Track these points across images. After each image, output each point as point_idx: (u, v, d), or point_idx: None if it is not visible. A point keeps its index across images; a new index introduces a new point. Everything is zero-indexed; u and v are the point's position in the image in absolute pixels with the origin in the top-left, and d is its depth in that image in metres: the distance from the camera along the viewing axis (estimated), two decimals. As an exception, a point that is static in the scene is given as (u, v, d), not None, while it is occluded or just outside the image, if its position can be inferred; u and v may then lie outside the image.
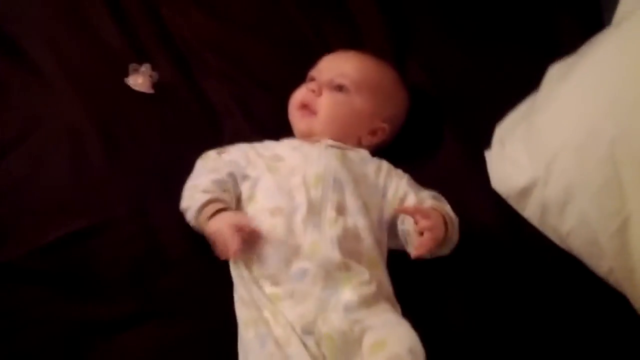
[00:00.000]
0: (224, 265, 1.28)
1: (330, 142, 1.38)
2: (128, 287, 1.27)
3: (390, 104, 1.47)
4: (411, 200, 1.32)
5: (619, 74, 1.30)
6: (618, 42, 1.35)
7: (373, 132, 1.44)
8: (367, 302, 1.16)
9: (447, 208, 1.31)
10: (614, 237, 1.26)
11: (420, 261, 1.24)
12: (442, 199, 1.35)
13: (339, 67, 1.44)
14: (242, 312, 1.19)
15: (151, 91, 1.53)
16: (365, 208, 1.28)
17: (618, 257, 1.27)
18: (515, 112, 1.50)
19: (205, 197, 1.27)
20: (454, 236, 1.28)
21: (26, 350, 1.18)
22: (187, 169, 1.37)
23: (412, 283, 1.28)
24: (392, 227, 1.31)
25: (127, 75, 1.53)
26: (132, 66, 1.54)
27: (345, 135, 1.41)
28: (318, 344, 1.14)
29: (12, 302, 1.21)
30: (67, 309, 1.22)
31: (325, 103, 1.41)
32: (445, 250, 1.28)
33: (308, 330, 1.15)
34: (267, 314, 1.17)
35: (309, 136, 1.41)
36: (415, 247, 1.21)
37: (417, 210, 1.24)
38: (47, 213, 1.33)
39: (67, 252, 1.28)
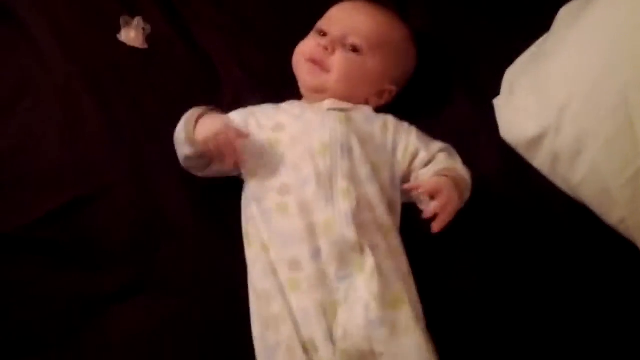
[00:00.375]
0: (228, 233, 1.26)
1: (332, 103, 1.33)
2: (128, 256, 1.25)
3: (401, 65, 1.43)
4: (422, 157, 1.29)
5: (632, 15, 1.23)
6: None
7: (380, 94, 1.40)
8: (384, 301, 1.13)
9: (459, 166, 1.28)
10: (626, 186, 1.23)
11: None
12: (453, 152, 1.32)
13: (352, 23, 1.38)
14: (255, 306, 1.18)
15: (145, 46, 1.47)
16: (375, 170, 1.25)
17: (630, 206, 1.24)
18: (524, 56, 1.45)
19: (189, 113, 1.27)
20: (467, 195, 1.26)
21: (23, 324, 1.17)
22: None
23: (419, 237, 1.24)
24: (405, 182, 1.28)
25: (118, 30, 1.47)
26: (123, 19, 1.48)
27: (354, 96, 1.36)
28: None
29: (9, 275, 1.20)
30: (64, 280, 1.21)
31: (339, 63, 1.35)
32: (464, 201, 1.26)
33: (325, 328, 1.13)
34: (278, 310, 1.14)
35: (315, 92, 1.36)
36: (432, 224, 1.18)
37: (427, 190, 1.19)
38: (42, 183, 1.30)
39: (64, 222, 1.26)
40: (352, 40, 1.36)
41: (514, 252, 1.31)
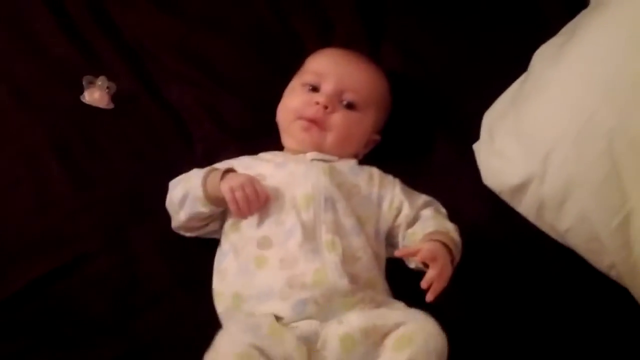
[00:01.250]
0: (210, 296, 1.22)
1: (316, 154, 1.30)
2: (111, 327, 1.20)
3: (385, 115, 1.41)
4: (407, 213, 1.26)
5: (613, 57, 1.23)
6: (608, 21, 1.27)
7: (367, 144, 1.38)
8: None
9: (449, 226, 1.25)
10: (616, 233, 1.21)
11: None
12: (438, 206, 1.30)
13: (344, 77, 1.35)
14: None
15: (110, 106, 1.43)
16: (360, 223, 1.23)
17: (620, 252, 1.22)
18: (503, 99, 1.43)
19: (204, 170, 1.24)
20: (458, 257, 1.22)
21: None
22: (160, 188, 1.29)
23: (408, 284, 1.21)
24: (390, 238, 1.27)
25: (81, 91, 1.41)
26: (86, 79, 1.43)
27: (345, 152, 1.34)
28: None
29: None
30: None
31: (341, 123, 1.32)
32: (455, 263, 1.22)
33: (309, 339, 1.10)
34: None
35: (313, 150, 1.31)
36: (427, 294, 1.14)
37: (424, 257, 1.16)
38: (12, 256, 1.24)
39: (39, 297, 1.21)
40: (349, 97, 1.33)
41: (501, 296, 1.29)
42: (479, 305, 1.28)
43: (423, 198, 1.30)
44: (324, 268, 1.16)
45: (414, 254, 1.17)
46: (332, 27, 1.57)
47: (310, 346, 1.10)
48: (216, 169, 1.24)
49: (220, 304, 1.19)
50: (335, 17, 1.58)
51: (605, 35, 1.26)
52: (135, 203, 1.32)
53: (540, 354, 1.24)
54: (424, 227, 1.24)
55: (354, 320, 1.11)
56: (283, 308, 1.13)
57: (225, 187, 1.19)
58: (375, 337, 1.10)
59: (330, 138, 1.31)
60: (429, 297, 1.13)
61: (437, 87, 1.51)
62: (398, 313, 1.13)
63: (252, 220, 1.22)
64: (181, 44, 1.53)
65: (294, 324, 1.11)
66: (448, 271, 1.16)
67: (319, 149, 1.31)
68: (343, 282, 1.14)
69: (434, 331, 1.09)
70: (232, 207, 1.19)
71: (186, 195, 1.23)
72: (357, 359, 1.09)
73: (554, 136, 1.26)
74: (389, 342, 1.09)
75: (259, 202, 1.20)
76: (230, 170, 1.23)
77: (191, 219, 1.24)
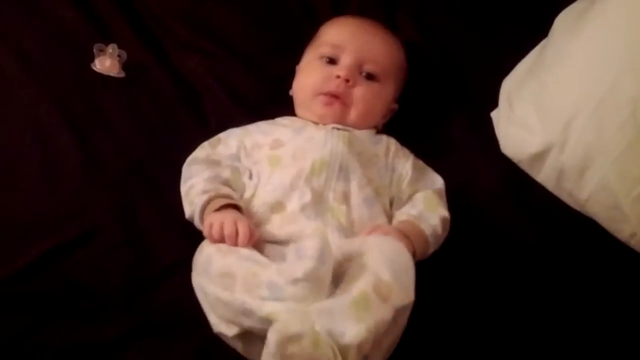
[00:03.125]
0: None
1: (336, 124, 1.27)
2: (121, 301, 1.18)
3: (403, 84, 1.38)
4: (404, 188, 1.26)
5: (636, 24, 1.19)
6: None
7: (385, 115, 1.35)
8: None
9: (431, 215, 1.21)
10: (637, 201, 1.20)
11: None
12: (439, 188, 1.27)
13: (363, 48, 1.31)
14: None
15: (121, 74, 1.40)
16: (377, 193, 1.22)
17: (641, 221, 1.20)
18: (521, 66, 1.40)
19: (204, 198, 1.18)
20: (424, 249, 1.19)
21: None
22: (172, 162, 1.27)
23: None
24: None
25: (92, 59, 1.39)
26: (97, 47, 1.39)
27: (366, 124, 1.31)
28: None
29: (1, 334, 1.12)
30: (60, 333, 1.12)
31: (363, 96, 1.29)
32: (423, 256, 1.20)
33: None
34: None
35: (333, 123, 1.28)
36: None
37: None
38: (23, 230, 1.22)
39: (49, 271, 1.19)
40: (369, 68, 1.30)
41: (517, 271, 1.27)
42: (493, 276, 1.25)
43: (428, 178, 1.28)
44: (325, 228, 1.14)
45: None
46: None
47: None
48: (217, 197, 1.18)
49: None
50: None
51: (628, 1, 1.22)
52: (145, 177, 1.29)
53: (554, 326, 1.21)
54: (403, 212, 1.22)
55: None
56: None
57: (206, 221, 1.15)
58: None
59: (353, 112, 1.29)
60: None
61: (452, 55, 1.48)
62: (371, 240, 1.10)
63: (269, 187, 1.20)
64: (193, 13, 1.50)
65: None
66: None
67: (341, 122, 1.28)
68: (341, 247, 1.11)
69: (393, 245, 1.07)
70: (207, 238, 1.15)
71: (192, 217, 1.20)
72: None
73: (575, 104, 1.23)
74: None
75: (242, 239, 1.11)
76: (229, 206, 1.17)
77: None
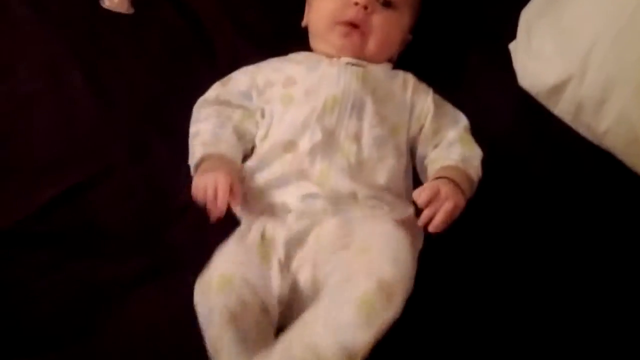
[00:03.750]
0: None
1: (351, 58, 1.24)
2: (136, 240, 1.19)
3: (418, 13, 1.34)
4: (427, 126, 1.22)
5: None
6: None
7: (400, 45, 1.32)
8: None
9: (469, 154, 1.18)
10: (658, 135, 1.17)
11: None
12: (465, 124, 1.23)
13: None
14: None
15: (130, 10, 1.39)
16: (392, 131, 1.19)
17: (661, 155, 1.18)
18: (541, -5, 1.35)
19: (200, 153, 1.17)
20: (470, 193, 1.16)
21: (40, 320, 1.10)
22: (183, 102, 1.25)
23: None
24: (412, 148, 1.23)
25: (100, -3, 1.37)
26: (105, -16, 1.38)
27: (383, 56, 1.27)
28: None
29: (18, 271, 1.13)
30: (76, 270, 1.13)
31: (381, 25, 1.25)
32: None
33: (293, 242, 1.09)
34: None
35: (352, 56, 1.24)
36: (430, 226, 1.09)
37: (423, 201, 1.09)
38: (38, 170, 1.22)
39: (66, 210, 1.19)
40: None
41: (534, 210, 1.24)
42: (510, 214, 1.23)
43: (450, 114, 1.25)
44: (329, 170, 1.13)
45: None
46: None
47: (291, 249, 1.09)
48: (214, 156, 1.16)
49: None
50: None
51: None
52: (158, 118, 1.28)
53: (569, 263, 1.19)
54: (444, 156, 1.19)
55: (332, 222, 1.09)
56: (293, 200, 1.12)
57: (193, 187, 1.13)
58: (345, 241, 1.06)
59: (372, 42, 1.25)
60: (430, 228, 1.08)
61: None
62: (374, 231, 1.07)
63: (281, 127, 1.18)
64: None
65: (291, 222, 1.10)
66: (455, 211, 1.10)
67: (359, 54, 1.24)
68: (345, 186, 1.12)
69: (395, 239, 1.03)
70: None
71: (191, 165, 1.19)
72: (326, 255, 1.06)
73: (595, 34, 1.20)
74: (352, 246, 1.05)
75: (220, 204, 1.10)
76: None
77: None
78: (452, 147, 1.20)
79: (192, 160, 1.18)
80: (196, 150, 1.18)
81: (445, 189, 1.10)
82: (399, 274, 0.98)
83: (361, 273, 0.97)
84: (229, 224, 1.17)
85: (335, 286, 0.99)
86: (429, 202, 1.08)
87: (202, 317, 1.03)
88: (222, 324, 0.99)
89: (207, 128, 1.20)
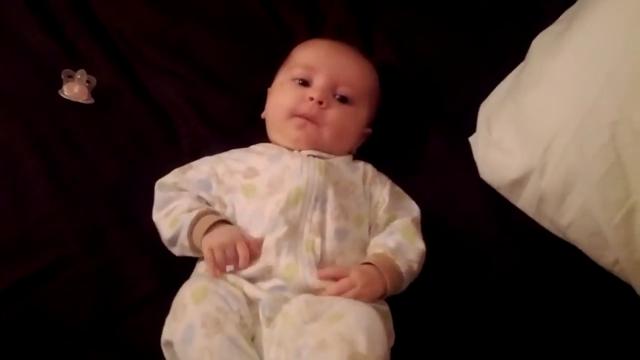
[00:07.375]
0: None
1: (312, 151, 1.25)
2: (95, 334, 1.15)
3: (377, 108, 1.36)
4: (380, 215, 1.23)
5: (613, 47, 1.17)
6: (607, 9, 1.21)
7: (359, 139, 1.33)
8: None
9: (409, 247, 1.18)
10: (619, 228, 1.17)
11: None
12: (415, 217, 1.24)
13: (336, 70, 1.28)
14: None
15: (90, 100, 1.36)
16: (354, 223, 1.19)
17: (624, 248, 1.19)
18: (499, 89, 1.38)
19: (192, 215, 1.16)
20: (400, 283, 1.16)
21: None
22: (144, 189, 1.23)
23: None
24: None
25: (60, 85, 1.35)
26: (65, 73, 1.36)
27: (341, 149, 1.29)
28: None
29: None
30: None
31: (336, 118, 1.26)
32: (396, 291, 1.17)
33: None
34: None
35: (309, 148, 1.25)
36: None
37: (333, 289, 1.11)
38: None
39: (19, 304, 1.15)
40: (342, 90, 1.28)
41: (498, 297, 1.25)
42: (475, 301, 1.24)
43: (404, 205, 1.25)
44: (296, 264, 1.12)
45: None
46: (323, 18, 1.51)
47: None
48: (206, 214, 1.16)
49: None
50: (326, 8, 1.52)
51: (605, 24, 1.21)
52: (116, 204, 1.26)
53: (537, 352, 1.19)
54: (380, 243, 1.19)
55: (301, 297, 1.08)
56: (261, 292, 1.10)
57: (205, 246, 1.13)
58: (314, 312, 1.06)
59: (326, 134, 1.26)
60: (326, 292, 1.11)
61: (429, 78, 1.46)
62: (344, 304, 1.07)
63: (245, 219, 1.17)
64: (164, 36, 1.47)
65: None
66: (356, 291, 1.10)
67: (315, 146, 1.25)
68: (313, 281, 1.11)
69: (367, 312, 1.05)
70: (208, 265, 1.12)
71: (175, 237, 1.17)
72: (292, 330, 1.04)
73: (554, 128, 1.21)
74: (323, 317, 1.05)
75: (242, 263, 1.12)
76: (222, 222, 1.16)
77: (184, 255, 1.20)
78: (392, 235, 1.20)
79: (182, 226, 1.16)
80: (182, 217, 1.16)
81: (356, 275, 1.12)
82: (371, 346, 0.99)
83: (335, 342, 0.98)
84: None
85: (309, 357, 0.99)
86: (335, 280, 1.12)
87: (177, 345, 1.03)
88: (207, 333, 1.01)
89: (185, 200, 1.19)
